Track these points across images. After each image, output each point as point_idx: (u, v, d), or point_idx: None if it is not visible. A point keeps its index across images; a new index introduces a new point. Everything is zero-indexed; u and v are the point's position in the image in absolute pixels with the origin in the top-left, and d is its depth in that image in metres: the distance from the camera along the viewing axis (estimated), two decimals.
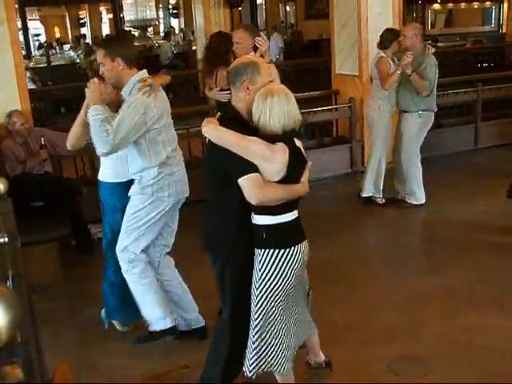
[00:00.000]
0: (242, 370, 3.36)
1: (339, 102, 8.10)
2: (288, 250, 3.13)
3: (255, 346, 3.24)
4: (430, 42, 6.44)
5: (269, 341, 3.23)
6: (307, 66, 14.71)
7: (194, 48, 13.56)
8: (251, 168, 3.00)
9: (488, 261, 5.29)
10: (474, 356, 3.91)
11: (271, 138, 3.03)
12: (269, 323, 3.21)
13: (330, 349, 3.88)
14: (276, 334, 3.23)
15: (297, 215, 3.20)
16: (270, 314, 3.20)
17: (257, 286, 3.19)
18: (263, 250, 3.14)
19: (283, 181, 3.06)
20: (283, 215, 3.12)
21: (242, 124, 3.12)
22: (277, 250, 3.12)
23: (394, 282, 5.04)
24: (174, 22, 23.86)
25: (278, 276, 3.14)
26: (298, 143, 3.17)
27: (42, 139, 5.74)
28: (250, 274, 3.21)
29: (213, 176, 3.23)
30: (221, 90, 5.44)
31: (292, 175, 3.09)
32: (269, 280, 3.15)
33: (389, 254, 5.71)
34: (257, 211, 3.11)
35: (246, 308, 3.25)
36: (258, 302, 3.19)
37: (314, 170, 3.46)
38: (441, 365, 3.83)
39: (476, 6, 22.79)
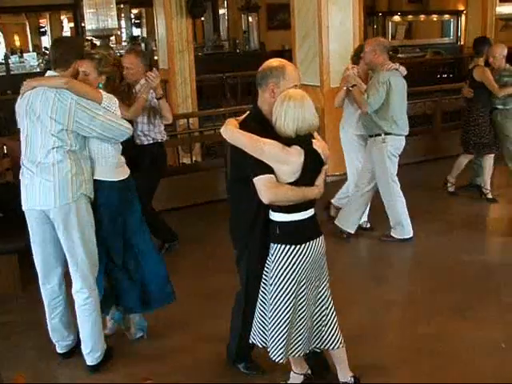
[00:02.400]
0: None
1: None
2: (299, 246, 3.28)
3: (280, 332, 3.37)
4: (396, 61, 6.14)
5: (287, 328, 3.36)
6: None
7: (155, 58, 13.50)
8: (265, 169, 3.17)
9: (450, 268, 5.37)
10: (435, 364, 3.94)
11: (286, 141, 3.17)
12: (286, 313, 3.35)
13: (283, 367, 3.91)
14: (291, 322, 3.36)
15: (311, 214, 3.33)
16: (287, 304, 3.33)
17: (270, 277, 3.37)
18: (276, 245, 3.32)
19: (297, 182, 3.20)
20: (297, 213, 3.27)
21: (265, 125, 3.27)
22: (288, 246, 3.28)
23: (355, 290, 5.08)
24: (137, 32, 23.77)
25: (288, 270, 3.30)
26: (317, 146, 3.25)
27: (5, 148, 5.66)
28: (262, 263, 3.43)
29: (234, 170, 3.45)
30: None
31: (306, 177, 3.22)
32: (280, 274, 3.31)
33: (349, 262, 5.75)
34: (272, 207, 3.29)
35: (256, 292, 3.48)
36: (275, 292, 3.34)
37: None
38: (402, 372, 3.86)
39: (435, 19, 23.20)
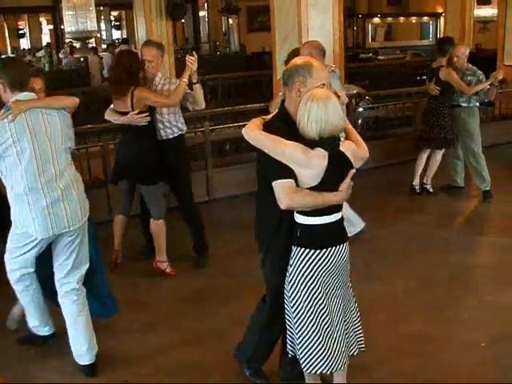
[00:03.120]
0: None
1: None
2: (319, 251, 3.16)
3: (312, 340, 3.23)
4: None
5: (312, 338, 3.23)
6: (250, 79, 14.81)
7: None
8: (286, 173, 3.06)
9: (429, 268, 5.40)
10: (417, 364, 3.96)
11: (310, 143, 3.04)
12: (310, 320, 3.22)
13: (270, 368, 3.91)
14: (318, 332, 3.22)
15: (336, 219, 3.20)
16: (307, 311, 3.21)
17: (288, 282, 3.26)
18: (296, 248, 3.20)
19: (319, 186, 3.07)
20: (320, 217, 3.15)
21: (291, 126, 3.14)
22: (308, 250, 3.17)
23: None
24: (117, 34, 23.70)
25: (306, 275, 3.18)
26: (345, 148, 3.15)
27: None
28: (283, 268, 3.29)
29: (260, 171, 3.30)
30: (139, 112, 5.04)
31: (330, 182, 3.09)
32: (298, 279, 3.20)
33: None
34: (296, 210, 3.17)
35: (279, 300, 3.35)
36: (293, 297, 3.24)
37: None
38: (384, 372, 3.88)
39: (414, 21, 23.38)
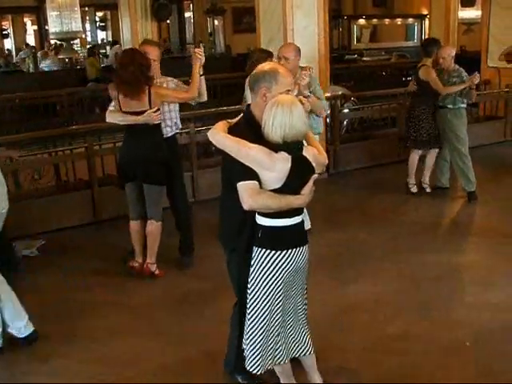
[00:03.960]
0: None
1: None
2: (279, 252, 3.22)
3: (256, 340, 3.34)
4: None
5: (262, 336, 3.33)
6: (236, 80, 14.78)
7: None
8: (250, 175, 3.11)
9: (413, 269, 5.42)
10: (401, 364, 3.97)
11: (274, 147, 3.09)
12: (261, 319, 3.31)
13: None
14: (267, 330, 3.33)
15: (297, 221, 3.26)
16: (263, 311, 3.30)
17: (249, 281, 3.32)
18: (257, 248, 3.26)
19: (282, 189, 3.13)
20: (281, 219, 3.21)
21: (256, 129, 3.18)
22: (268, 251, 3.22)
23: (318, 290, 5.09)
24: (102, 35, 23.60)
25: (267, 276, 3.25)
26: (308, 153, 3.21)
27: None
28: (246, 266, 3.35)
29: (224, 173, 3.36)
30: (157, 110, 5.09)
31: (293, 185, 3.15)
32: (258, 278, 3.27)
33: (313, 265, 5.76)
34: (258, 211, 3.23)
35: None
36: (252, 296, 3.31)
37: None
38: (369, 373, 3.88)
39: (399, 22, 23.46)
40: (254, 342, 3.34)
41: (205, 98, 5.52)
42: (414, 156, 7.40)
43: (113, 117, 5.21)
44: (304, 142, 3.25)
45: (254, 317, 3.33)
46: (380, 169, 8.50)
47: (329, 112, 6.64)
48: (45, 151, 7.32)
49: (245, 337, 3.39)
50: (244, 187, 3.13)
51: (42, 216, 6.49)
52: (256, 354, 3.36)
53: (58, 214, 6.58)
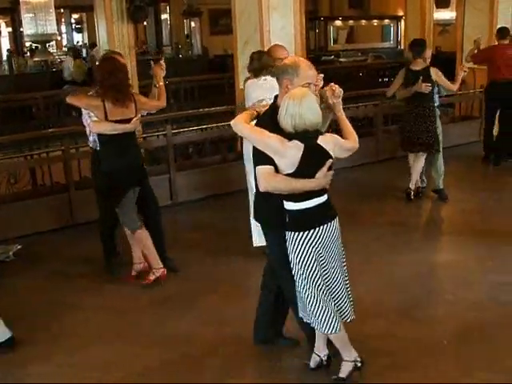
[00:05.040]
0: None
1: None
2: (307, 232, 3.51)
3: (310, 309, 3.63)
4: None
5: (315, 304, 3.61)
6: (213, 82, 14.78)
7: (97, 63, 13.35)
8: (266, 160, 3.43)
9: (392, 269, 5.45)
10: (382, 364, 3.98)
11: (288, 136, 3.40)
12: (310, 293, 3.59)
13: (236, 363, 3.98)
14: (319, 301, 3.59)
15: (319, 202, 3.53)
16: (309, 286, 3.58)
17: (291, 263, 3.61)
18: (289, 233, 3.57)
19: (296, 174, 3.41)
20: (303, 202, 3.50)
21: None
22: (297, 233, 3.53)
23: None
24: (78, 37, 23.43)
25: (301, 255, 3.54)
26: (324, 141, 3.47)
27: None
28: (280, 248, 3.65)
29: (253, 159, 3.63)
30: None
31: (305, 170, 3.43)
32: (295, 259, 3.57)
33: None
34: (282, 197, 3.53)
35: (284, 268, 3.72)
36: (296, 275, 3.61)
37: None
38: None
39: (375, 23, 23.61)
40: (318, 308, 3.59)
41: (164, 104, 5.56)
42: (422, 159, 7.22)
43: (103, 126, 5.04)
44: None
45: (304, 293, 3.60)
46: (356, 169, 8.51)
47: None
48: (21, 155, 7.27)
49: (309, 309, 3.63)
50: (261, 171, 3.47)
51: (18, 220, 6.43)
52: (318, 318, 3.61)
53: (35, 217, 6.52)
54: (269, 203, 3.64)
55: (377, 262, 5.63)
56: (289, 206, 3.54)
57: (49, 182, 7.32)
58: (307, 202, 3.50)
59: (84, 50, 19.97)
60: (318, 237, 3.53)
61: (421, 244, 6.10)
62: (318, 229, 3.53)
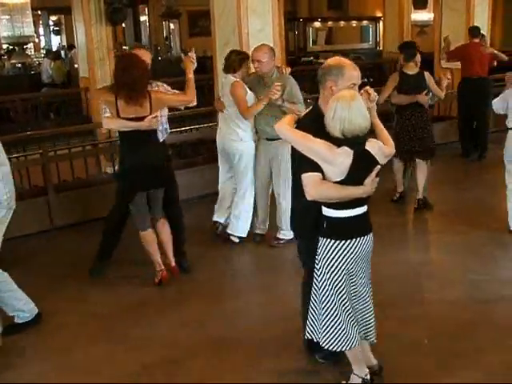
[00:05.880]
0: None
1: None
2: (343, 242, 3.38)
3: (324, 323, 3.51)
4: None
5: (333, 319, 3.48)
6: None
7: (76, 66, 13.26)
8: (313, 166, 3.26)
9: (374, 268, 5.46)
10: None
11: (336, 141, 3.23)
12: (330, 304, 3.47)
13: (215, 365, 4.00)
14: (338, 314, 3.47)
15: (361, 212, 3.41)
16: (331, 297, 3.46)
17: (316, 269, 3.48)
18: (322, 239, 3.43)
19: (344, 181, 3.26)
20: (345, 210, 3.36)
21: (322, 123, 3.28)
22: (333, 241, 3.39)
23: (275, 293, 5.12)
24: (56, 39, 23.24)
25: (331, 265, 3.41)
26: (371, 146, 3.31)
27: None
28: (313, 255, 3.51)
29: (294, 166, 3.54)
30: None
31: (354, 177, 3.27)
32: (324, 267, 3.44)
33: (277, 266, 5.78)
34: (322, 203, 3.38)
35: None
36: (319, 283, 3.48)
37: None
38: (330, 373, 3.90)
39: (354, 25, 23.66)
40: (334, 323, 3.47)
41: (195, 102, 5.41)
42: (424, 167, 7.07)
43: (112, 123, 5.06)
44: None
45: (324, 303, 3.47)
46: None
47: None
48: None
49: (320, 320, 3.52)
50: (307, 178, 3.29)
51: None
52: (330, 334, 3.49)
53: (13, 221, 6.43)
54: (309, 213, 3.48)
55: None
56: (328, 212, 3.38)
57: (27, 186, 7.26)
58: (349, 210, 3.36)
59: (62, 52, 19.75)
60: (351, 249, 3.40)
61: (401, 244, 6.13)
62: (353, 240, 3.40)
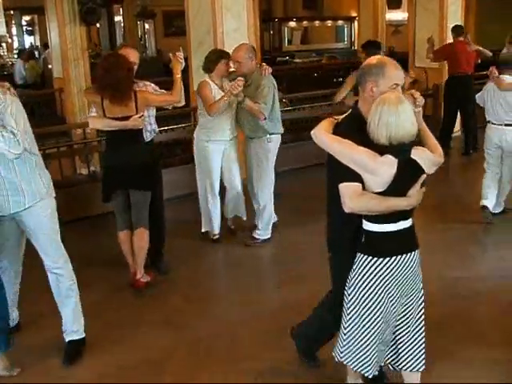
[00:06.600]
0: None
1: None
2: (382, 260, 3.08)
3: (346, 341, 3.28)
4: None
5: (358, 340, 3.24)
6: (168, 84, 14.68)
7: (49, 66, 13.14)
8: (352, 176, 2.99)
9: None
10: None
11: (380, 149, 2.94)
12: (359, 325, 3.21)
13: (193, 367, 3.98)
14: (365, 336, 3.22)
15: (405, 226, 3.10)
16: (361, 318, 3.20)
17: (349, 287, 3.21)
18: (360, 254, 3.14)
19: (386, 192, 2.97)
20: (385, 225, 3.06)
21: (362, 127, 3.04)
22: (371, 258, 3.10)
23: (256, 294, 5.12)
24: (29, 40, 23.03)
25: (367, 283, 3.13)
26: (417, 155, 3.01)
27: None
28: (349, 270, 3.23)
29: (329, 174, 3.23)
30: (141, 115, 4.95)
31: (397, 188, 2.99)
32: (359, 285, 3.15)
33: (252, 266, 5.77)
34: (364, 215, 3.08)
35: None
36: (350, 301, 3.21)
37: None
38: (310, 373, 3.90)
39: (329, 24, 23.77)
40: (354, 345, 3.25)
41: (183, 102, 5.43)
42: None
43: (98, 123, 5.07)
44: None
45: (352, 323, 3.23)
46: (309, 171, 8.48)
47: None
48: None
49: (344, 336, 3.30)
50: (345, 189, 3.01)
51: None
52: (356, 355, 3.27)
53: None
54: (347, 226, 3.21)
55: None
56: (368, 226, 3.08)
57: None
58: (391, 224, 3.05)
59: (36, 53, 19.57)
60: (391, 268, 3.09)
61: None
62: (394, 258, 3.07)
